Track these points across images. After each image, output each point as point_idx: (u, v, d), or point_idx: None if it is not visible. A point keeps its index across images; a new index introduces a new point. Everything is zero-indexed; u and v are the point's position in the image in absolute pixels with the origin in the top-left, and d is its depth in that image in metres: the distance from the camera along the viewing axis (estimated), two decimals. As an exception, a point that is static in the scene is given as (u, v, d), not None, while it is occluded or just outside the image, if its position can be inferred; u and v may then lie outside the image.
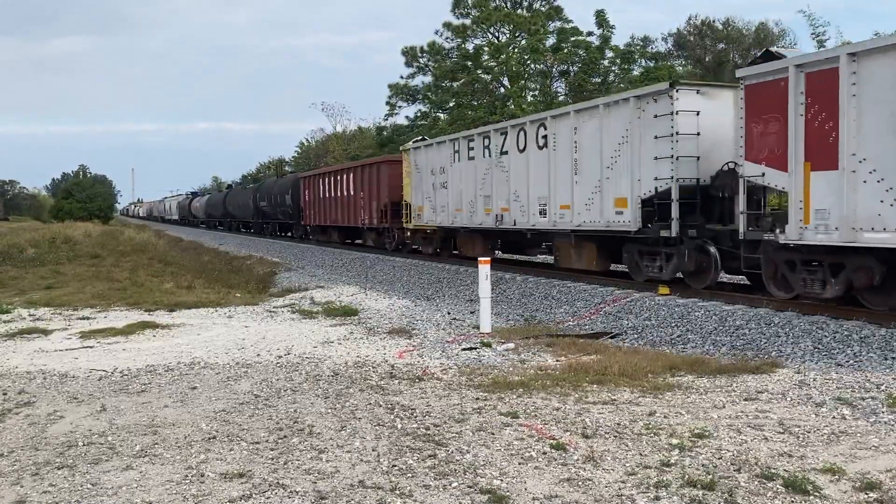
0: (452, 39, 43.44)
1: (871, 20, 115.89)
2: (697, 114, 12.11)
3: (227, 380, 8.14)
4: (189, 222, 75.16)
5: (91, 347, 10.42)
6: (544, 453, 5.41)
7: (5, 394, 7.69)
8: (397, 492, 4.74)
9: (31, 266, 22.67)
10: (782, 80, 9.97)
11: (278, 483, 4.94)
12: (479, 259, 12.07)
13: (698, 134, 12.10)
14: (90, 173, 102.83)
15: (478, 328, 11.43)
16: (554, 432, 5.91)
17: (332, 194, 29.72)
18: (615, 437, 5.77)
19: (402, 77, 45.00)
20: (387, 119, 47.16)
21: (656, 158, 12.35)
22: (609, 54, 39.21)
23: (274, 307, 14.67)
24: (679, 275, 12.90)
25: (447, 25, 43.11)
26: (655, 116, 12.39)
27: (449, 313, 13.40)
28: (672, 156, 12.06)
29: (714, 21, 47.63)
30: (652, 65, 38.18)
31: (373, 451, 5.56)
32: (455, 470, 5.11)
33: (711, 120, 12.19)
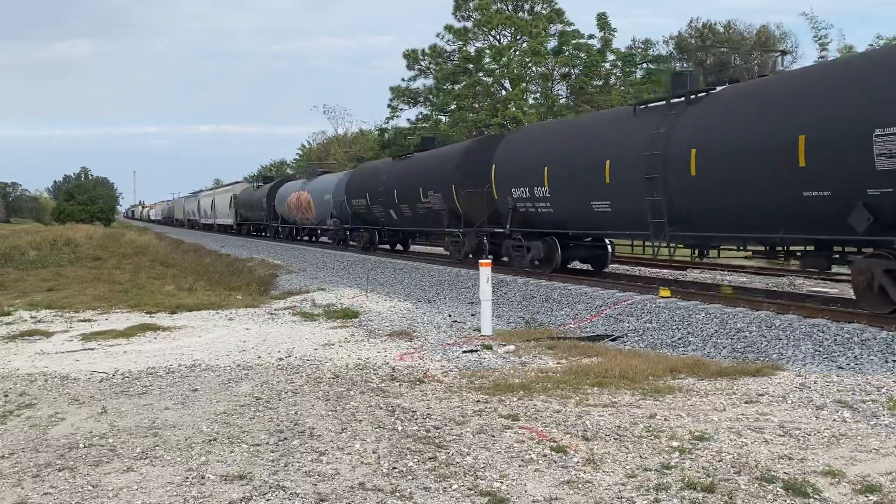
0: (454, 42, 43.52)
1: (875, 24, 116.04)
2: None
3: (228, 382, 8.14)
4: (256, 231, 47.00)
5: (92, 349, 10.43)
6: (545, 456, 5.41)
7: (6, 395, 7.70)
8: (397, 494, 4.75)
9: (33, 268, 22.71)
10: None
11: (278, 485, 4.94)
12: (480, 262, 12.08)
13: None
14: (92, 176, 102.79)
15: (478, 331, 11.43)
16: (554, 435, 5.91)
17: None
18: (615, 439, 5.77)
19: (403, 80, 45.13)
20: (388, 122, 47.28)
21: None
22: (610, 57, 39.27)
23: (275, 309, 14.68)
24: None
25: (448, 28, 43.20)
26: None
27: (450, 316, 13.40)
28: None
29: (715, 24, 47.68)
30: (654, 67, 38.22)
31: (373, 453, 5.56)
32: (455, 472, 5.11)
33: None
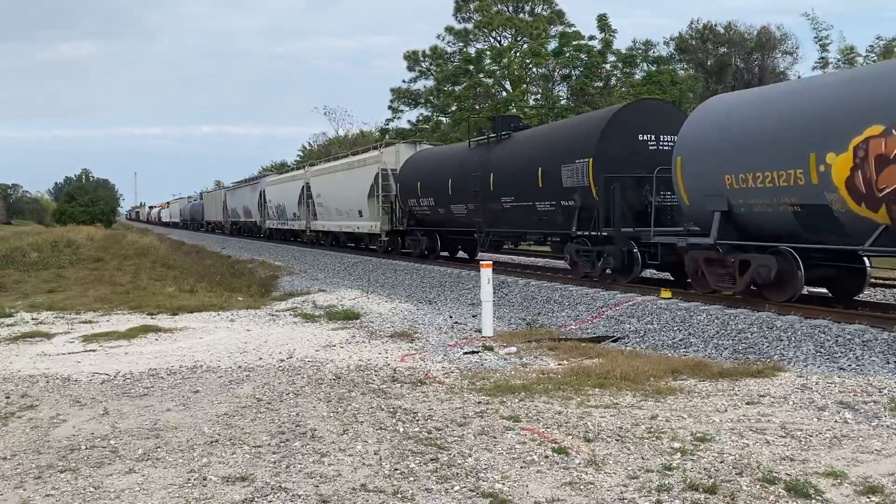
0: (454, 43, 43.66)
1: (875, 24, 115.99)
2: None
3: (230, 383, 8.15)
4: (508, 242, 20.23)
5: (94, 351, 10.44)
6: (546, 457, 5.41)
7: (8, 397, 7.71)
8: (399, 495, 4.75)
9: (34, 270, 22.70)
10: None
11: (280, 486, 4.94)
12: (482, 262, 12.08)
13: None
14: (93, 177, 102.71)
15: (480, 332, 11.43)
16: (556, 436, 5.91)
17: None
18: (617, 440, 5.77)
19: (404, 81, 45.24)
20: (388, 123, 47.32)
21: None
22: (611, 58, 39.28)
23: (276, 311, 14.68)
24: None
25: (449, 30, 43.33)
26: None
27: (451, 317, 13.40)
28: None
29: (716, 25, 47.65)
30: (654, 68, 38.23)
31: (375, 454, 5.56)
32: (457, 474, 5.11)
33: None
